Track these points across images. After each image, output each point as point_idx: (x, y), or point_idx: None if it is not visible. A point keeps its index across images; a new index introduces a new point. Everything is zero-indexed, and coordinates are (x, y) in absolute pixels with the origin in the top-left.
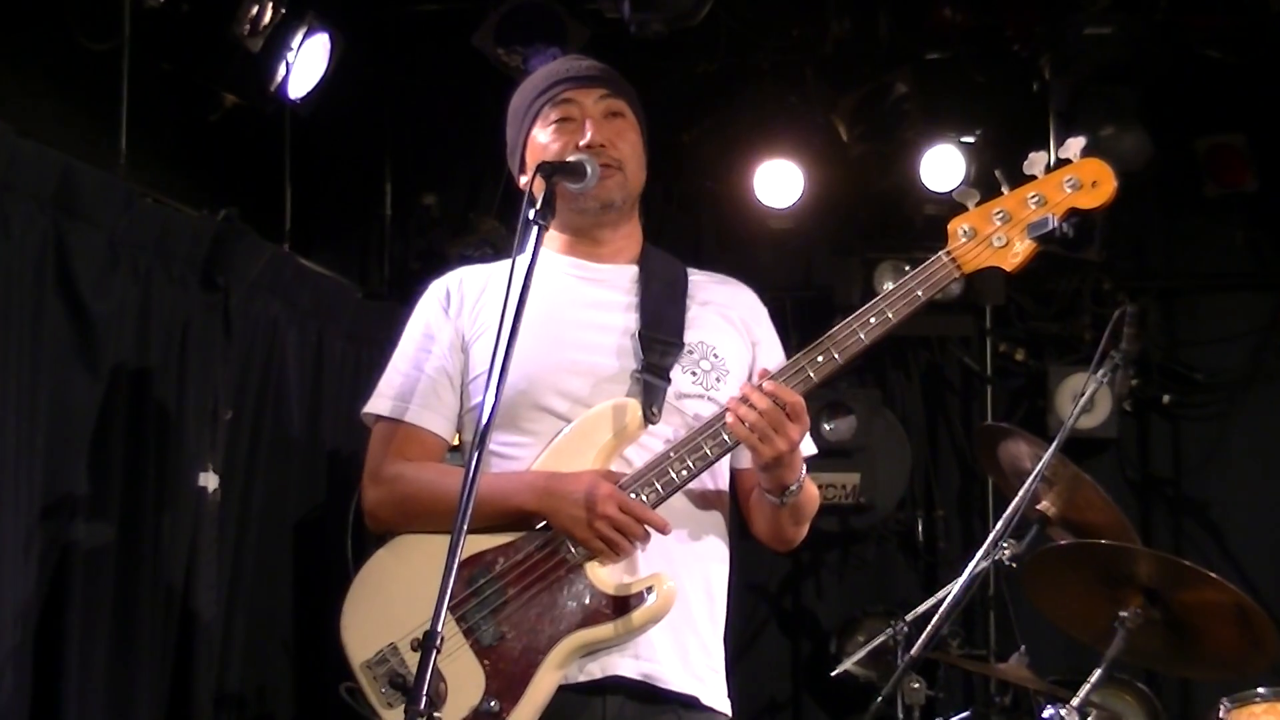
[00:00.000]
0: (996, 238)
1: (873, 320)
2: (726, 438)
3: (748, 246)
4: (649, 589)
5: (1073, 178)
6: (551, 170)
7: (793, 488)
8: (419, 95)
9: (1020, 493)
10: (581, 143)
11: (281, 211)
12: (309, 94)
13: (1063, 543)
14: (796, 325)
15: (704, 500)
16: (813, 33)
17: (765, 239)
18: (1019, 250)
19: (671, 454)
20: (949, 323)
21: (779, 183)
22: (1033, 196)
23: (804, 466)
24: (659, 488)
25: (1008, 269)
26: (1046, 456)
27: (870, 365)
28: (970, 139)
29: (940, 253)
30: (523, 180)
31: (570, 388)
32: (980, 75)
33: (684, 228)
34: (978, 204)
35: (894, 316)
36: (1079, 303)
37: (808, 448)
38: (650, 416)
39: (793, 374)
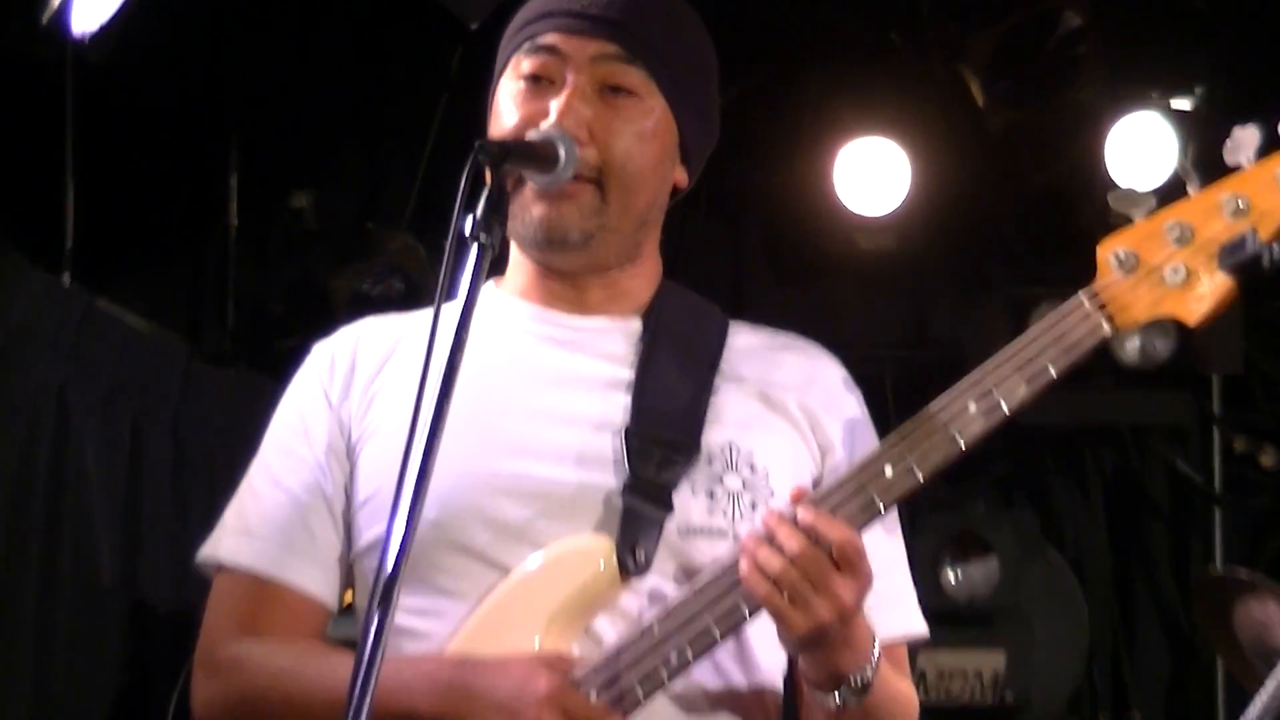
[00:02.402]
0: (1171, 269)
1: (973, 409)
2: (742, 603)
3: (822, 277)
4: None
5: None
6: (502, 153)
7: (855, 680)
8: (285, 33)
9: (1271, 684)
10: (545, 123)
11: (60, 222)
12: (103, 30)
13: None
14: (902, 406)
15: (729, 703)
16: None
17: (851, 265)
18: (1206, 290)
19: (656, 629)
20: (1152, 404)
21: (874, 174)
22: (1229, 200)
23: (874, 646)
24: (636, 686)
25: (1190, 322)
26: None
27: (1021, 473)
28: (1186, 102)
29: (1080, 294)
30: None
31: (505, 516)
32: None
33: (719, 248)
34: (1150, 213)
35: (1009, 407)
36: None
37: (904, 620)
38: (632, 565)
39: (847, 496)
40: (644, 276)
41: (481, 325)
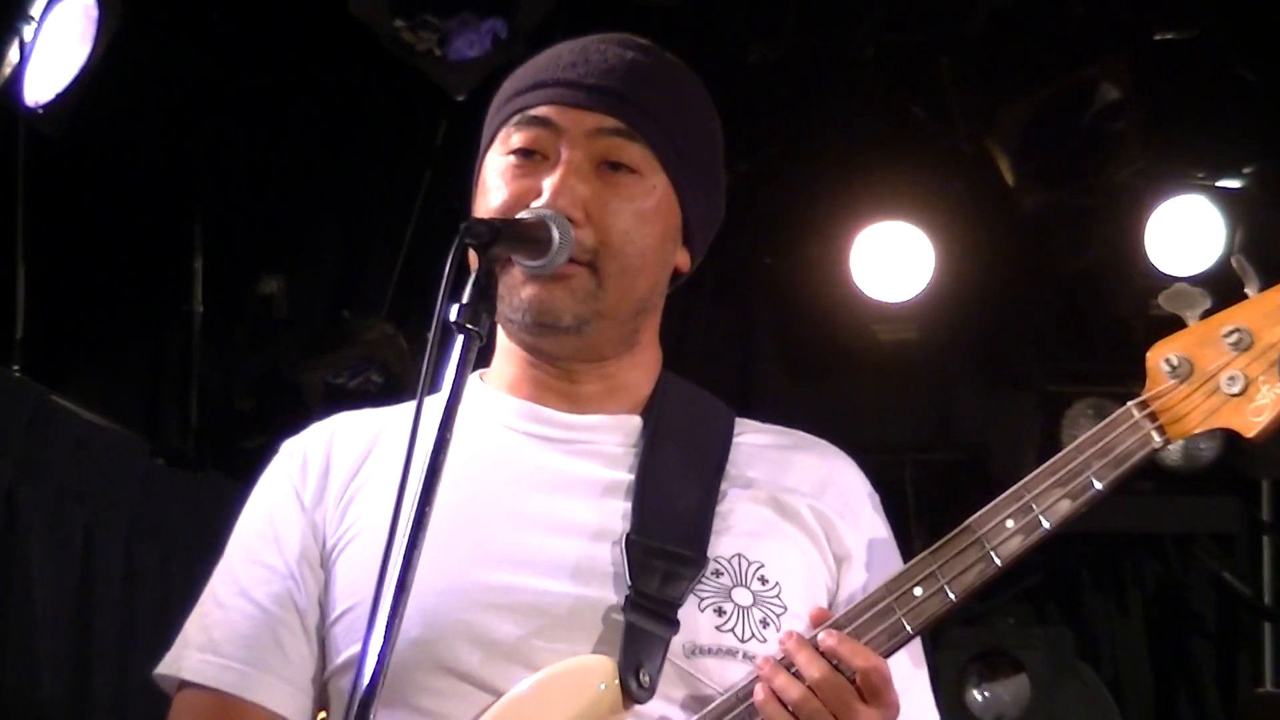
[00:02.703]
0: (1228, 378)
1: (1010, 525)
2: None
3: (837, 370)
4: None
5: None
6: (490, 235)
7: None
8: (255, 104)
9: None
10: (537, 202)
11: (9, 308)
12: (58, 100)
13: None
14: (924, 513)
15: None
16: None
17: (869, 357)
18: (1267, 401)
19: None
20: (1197, 510)
21: (894, 258)
22: None
23: None
24: None
25: (1248, 434)
26: None
27: (1054, 585)
28: (1235, 182)
29: (1130, 404)
30: None
31: (495, 634)
32: (1251, 70)
33: (725, 337)
34: (1204, 314)
35: (1051, 524)
36: None
37: None
38: (636, 689)
39: (873, 618)
40: (643, 368)
41: (467, 422)
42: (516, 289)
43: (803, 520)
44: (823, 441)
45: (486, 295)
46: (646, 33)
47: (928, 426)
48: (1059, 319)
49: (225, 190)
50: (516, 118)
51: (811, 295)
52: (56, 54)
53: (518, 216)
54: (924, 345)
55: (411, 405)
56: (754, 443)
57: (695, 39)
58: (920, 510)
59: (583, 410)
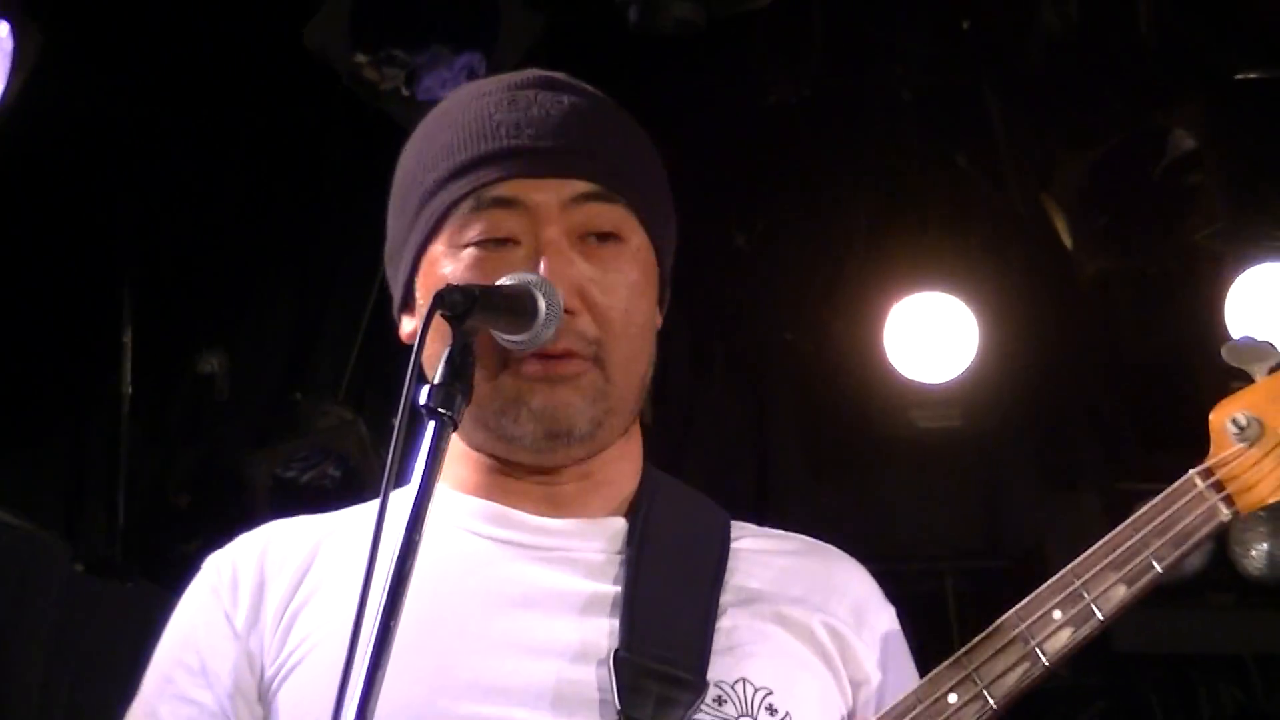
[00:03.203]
0: None
1: (1058, 616)
2: None
3: (869, 463)
4: None
5: None
6: (465, 303)
7: None
8: (194, 154)
9: None
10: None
11: None
12: None
13: None
14: (968, 631)
15: None
16: (1002, 26)
17: (905, 449)
18: None
19: None
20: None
21: (934, 335)
22: None
23: None
24: None
25: None
26: None
27: (1120, 715)
28: None
29: (1192, 472)
30: (406, 327)
31: None
32: None
33: (736, 425)
34: (1273, 369)
35: (1105, 614)
36: None
37: None
38: None
39: None
40: (627, 459)
41: (433, 527)
42: (515, 398)
43: (814, 639)
44: (829, 546)
45: (461, 374)
46: (646, 69)
47: (974, 529)
48: (1125, 405)
49: (158, 253)
50: (469, 202)
51: (839, 376)
52: None
53: (499, 284)
54: (969, 434)
55: (356, 511)
56: (753, 548)
57: (703, 76)
58: (964, 627)
59: (559, 513)
